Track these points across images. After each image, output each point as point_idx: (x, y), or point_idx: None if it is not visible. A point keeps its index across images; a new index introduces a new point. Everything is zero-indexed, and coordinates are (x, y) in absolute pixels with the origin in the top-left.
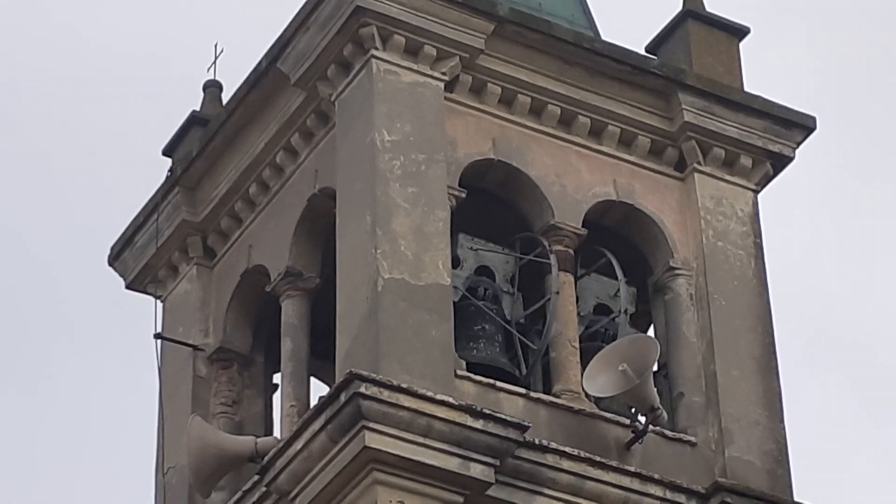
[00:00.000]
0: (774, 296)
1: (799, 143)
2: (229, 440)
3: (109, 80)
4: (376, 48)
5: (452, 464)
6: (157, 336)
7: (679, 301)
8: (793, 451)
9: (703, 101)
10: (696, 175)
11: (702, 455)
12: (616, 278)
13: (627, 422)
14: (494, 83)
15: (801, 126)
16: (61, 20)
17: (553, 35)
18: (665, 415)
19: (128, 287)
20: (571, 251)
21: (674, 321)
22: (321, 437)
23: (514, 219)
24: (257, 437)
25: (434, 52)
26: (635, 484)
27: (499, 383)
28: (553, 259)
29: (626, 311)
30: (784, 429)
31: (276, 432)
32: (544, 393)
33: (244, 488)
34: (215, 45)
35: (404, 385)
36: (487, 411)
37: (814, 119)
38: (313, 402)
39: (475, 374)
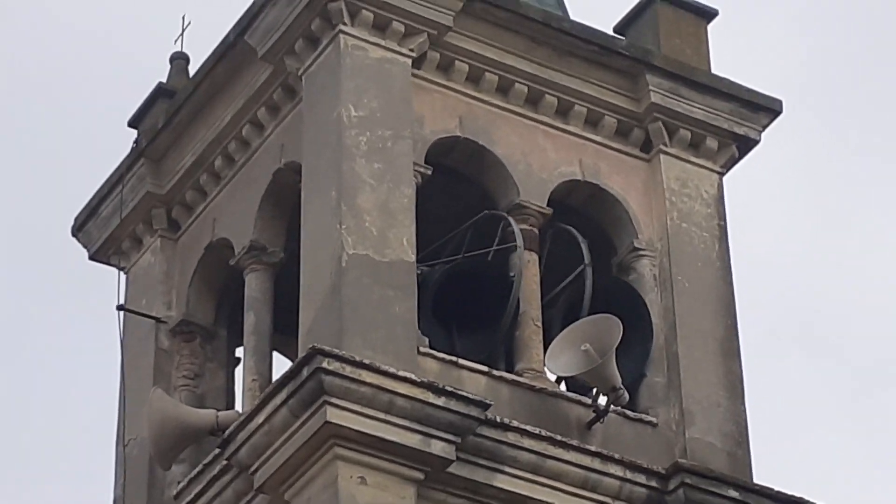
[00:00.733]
0: (738, 278)
1: (765, 127)
2: (191, 413)
3: (76, 50)
4: (344, 23)
5: (414, 440)
6: (119, 308)
7: (643, 282)
8: (754, 433)
9: (670, 82)
10: (661, 156)
11: (662, 436)
12: (581, 257)
13: (589, 401)
14: (462, 61)
15: (767, 109)
16: None
17: (521, 14)
18: (626, 395)
19: (91, 258)
20: (536, 230)
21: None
22: (282, 411)
23: (479, 196)
24: (218, 410)
25: (402, 28)
26: (596, 463)
27: (461, 361)
28: (518, 237)
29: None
30: (745, 411)
31: (238, 406)
32: (507, 371)
33: (205, 461)
34: (182, 17)
35: (367, 361)
36: (449, 388)
37: (780, 102)
38: (275, 376)
39: (440, 346)
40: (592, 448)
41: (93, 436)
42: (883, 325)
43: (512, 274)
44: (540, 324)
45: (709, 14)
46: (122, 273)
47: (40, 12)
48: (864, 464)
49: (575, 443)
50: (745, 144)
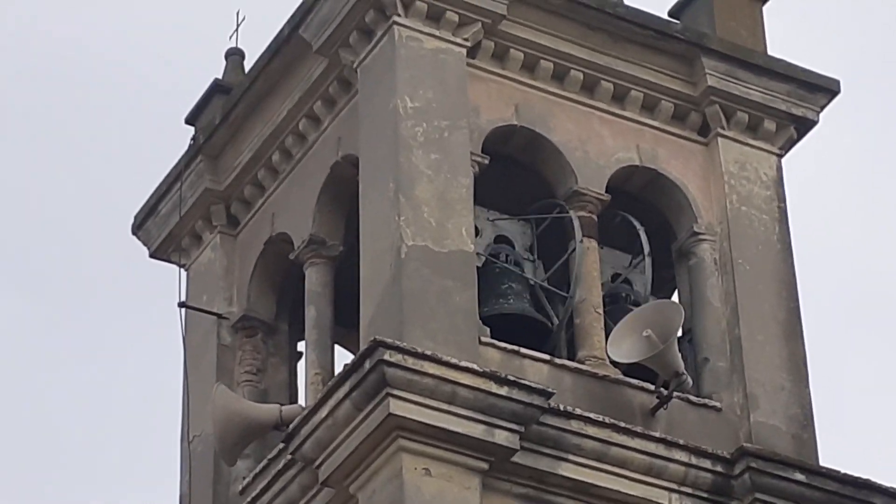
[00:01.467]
0: (799, 260)
1: (823, 107)
2: (254, 408)
3: (132, 48)
4: (398, 14)
5: (477, 430)
6: (181, 305)
7: (703, 266)
8: (819, 416)
9: (726, 65)
10: (719, 140)
11: (727, 420)
12: (640, 244)
13: (652, 388)
14: (517, 49)
15: (825, 90)
16: None
17: (575, 0)
18: (690, 380)
19: (151, 256)
20: (595, 217)
21: (698, 286)
22: (346, 404)
23: (537, 185)
24: (282, 405)
25: (456, 18)
26: (660, 450)
27: (523, 350)
28: (576, 224)
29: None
30: (809, 393)
31: (301, 400)
32: (569, 359)
33: (269, 456)
34: (237, 13)
35: (428, 352)
36: (512, 378)
37: (838, 82)
38: (338, 369)
39: (501, 337)
40: (657, 434)
41: (158, 433)
42: None
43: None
44: (601, 311)
45: None
46: (182, 270)
47: (100, 11)
48: None
49: (639, 429)
50: (804, 125)
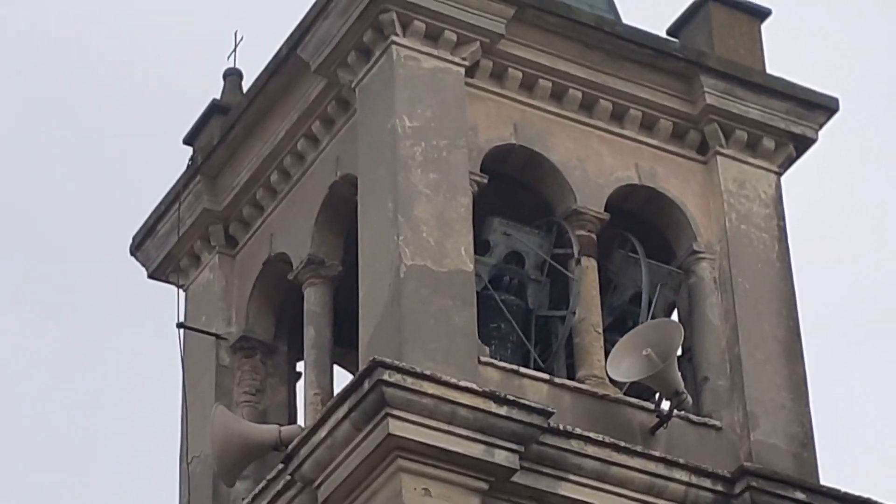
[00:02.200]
0: (799, 278)
1: (822, 125)
2: (253, 429)
3: (130, 68)
4: (396, 34)
5: (477, 450)
6: (179, 325)
7: (703, 285)
8: (820, 434)
9: (724, 83)
10: (718, 158)
11: (727, 439)
12: (639, 262)
13: (652, 407)
14: (515, 68)
15: (823, 108)
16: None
17: (573, 19)
18: (690, 399)
19: (150, 277)
20: (594, 235)
21: (698, 305)
22: (345, 424)
23: (536, 204)
24: (281, 425)
25: (454, 37)
26: (660, 469)
27: (522, 369)
28: (575, 243)
29: (659, 300)
30: (810, 412)
31: (300, 420)
32: (568, 378)
33: (268, 477)
34: (235, 33)
35: (427, 372)
36: (511, 397)
37: (836, 100)
38: (337, 389)
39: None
40: (657, 454)
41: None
42: None
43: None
44: (601, 330)
45: (762, 13)
46: (181, 291)
47: (97, 30)
48: None
49: (639, 449)
50: (803, 144)
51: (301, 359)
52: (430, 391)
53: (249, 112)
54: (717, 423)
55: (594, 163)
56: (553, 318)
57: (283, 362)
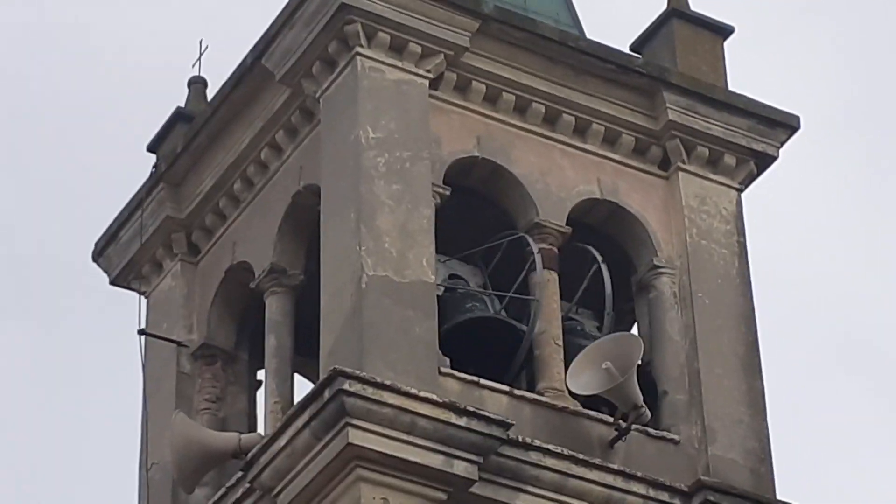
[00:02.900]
0: (758, 295)
1: (783, 143)
2: (213, 436)
3: (94, 75)
4: (361, 45)
5: (436, 461)
6: (141, 332)
7: (663, 299)
8: (777, 450)
9: (687, 99)
10: (680, 174)
11: (685, 453)
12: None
13: (611, 420)
14: (479, 81)
15: (785, 125)
16: (47, 17)
17: (538, 33)
18: (648, 413)
19: (112, 283)
20: (555, 249)
21: (657, 319)
22: (305, 433)
23: (498, 216)
24: (241, 433)
25: (419, 49)
26: (618, 482)
27: (482, 381)
28: (537, 256)
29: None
30: (767, 427)
31: (260, 429)
32: (528, 391)
33: (228, 485)
34: (200, 42)
35: (388, 382)
36: (471, 409)
37: (798, 118)
38: (297, 398)
39: (460, 369)
40: (615, 466)
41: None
42: None
43: (524, 328)
44: (561, 343)
45: (725, 31)
46: (142, 297)
47: (61, 38)
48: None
49: (597, 461)
50: (764, 161)
51: (262, 367)
52: (391, 401)
53: (213, 120)
54: (676, 436)
55: (556, 176)
56: (513, 330)
57: (244, 370)
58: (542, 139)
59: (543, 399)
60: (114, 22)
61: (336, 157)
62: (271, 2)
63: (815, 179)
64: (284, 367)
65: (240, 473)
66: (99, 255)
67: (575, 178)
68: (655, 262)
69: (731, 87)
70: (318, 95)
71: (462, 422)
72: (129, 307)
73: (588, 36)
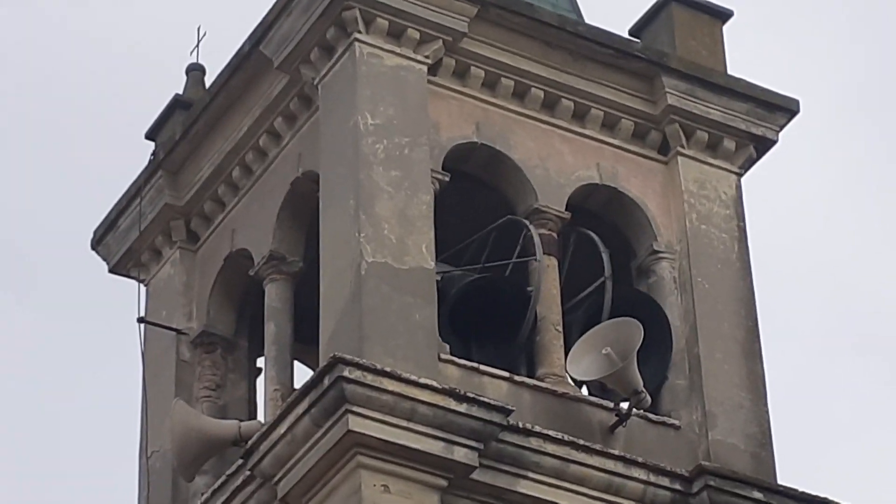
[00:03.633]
0: (758, 278)
1: (782, 127)
2: (213, 424)
3: (92, 63)
4: (359, 31)
5: (436, 447)
6: (140, 320)
7: (663, 284)
8: (777, 434)
9: (686, 84)
10: (679, 158)
11: (685, 438)
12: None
13: (611, 405)
14: (478, 66)
15: (784, 109)
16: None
17: (536, 18)
18: (648, 398)
19: (111, 271)
20: (555, 234)
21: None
22: (305, 420)
23: (497, 202)
24: (241, 420)
25: (417, 35)
26: (619, 467)
27: (482, 367)
28: (537, 241)
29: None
30: (768, 412)
31: (260, 416)
32: (528, 377)
33: (228, 472)
34: (198, 29)
35: (388, 369)
36: (471, 395)
37: (797, 102)
38: (297, 386)
39: (460, 355)
40: (616, 452)
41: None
42: None
43: (530, 288)
44: (561, 329)
45: (724, 15)
46: (141, 285)
47: (56, 25)
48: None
49: (598, 447)
50: (763, 145)
51: (261, 354)
52: (391, 388)
53: (212, 108)
54: (676, 422)
55: (556, 162)
56: (519, 291)
57: (244, 358)
58: (542, 124)
59: (544, 385)
60: (112, 9)
61: (335, 143)
62: None
63: (815, 163)
64: (284, 354)
65: (240, 461)
66: (98, 243)
67: (574, 164)
68: (655, 247)
69: (730, 72)
70: (316, 82)
71: (462, 408)
72: (129, 295)
73: (586, 21)
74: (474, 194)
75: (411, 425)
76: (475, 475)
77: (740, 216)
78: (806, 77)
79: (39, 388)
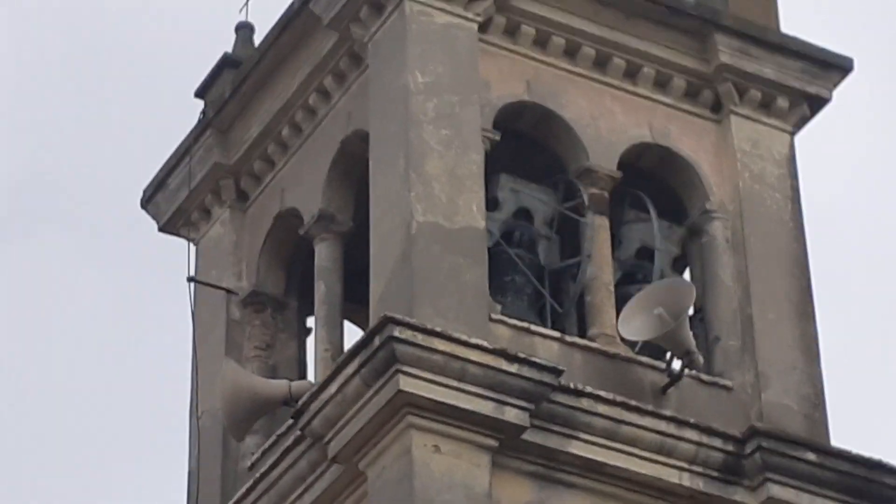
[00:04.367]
0: (812, 239)
1: (836, 85)
2: (263, 384)
3: (142, 21)
4: None
5: (487, 408)
6: (190, 279)
7: (715, 244)
8: (831, 395)
9: (739, 42)
10: (732, 117)
11: (738, 399)
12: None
13: (663, 366)
14: (528, 24)
15: (838, 67)
16: None
17: None
18: (701, 359)
19: (161, 230)
20: (606, 194)
21: (710, 264)
22: (355, 380)
23: (548, 161)
24: (291, 380)
25: None
26: (671, 428)
27: (533, 327)
28: (587, 201)
29: (664, 254)
30: (821, 373)
31: (310, 376)
32: (579, 337)
33: (278, 432)
34: None
35: (438, 329)
36: (522, 355)
37: (851, 60)
38: (347, 346)
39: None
40: (667, 413)
41: (166, 408)
42: None
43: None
44: (612, 288)
45: None
46: (191, 245)
47: None
48: None
49: (650, 408)
50: (817, 103)
51: (311, 314)
52: (441, 348)
53: (261, 66)
54: (728, 383)
55: (607, 121)
56: (564, 276)
57: (294, 318)
58: (593, 83)
59: (595, 345)
60: None
61: (384, 102)
62: None
63: (869, 122)
64: (334, 314)
65: (290, 421)
66: (147, 202)
67: (626, 123)
68: (707, 207)
69: (783, 29)
70: (366, 40)
71: (513, 368)
72: (179, 254)
73: None
74: (525, 153)
75: (462, 385)
76: (526, 436)
77: (793, 175)
78: (860, 35)
79: (89, 348)
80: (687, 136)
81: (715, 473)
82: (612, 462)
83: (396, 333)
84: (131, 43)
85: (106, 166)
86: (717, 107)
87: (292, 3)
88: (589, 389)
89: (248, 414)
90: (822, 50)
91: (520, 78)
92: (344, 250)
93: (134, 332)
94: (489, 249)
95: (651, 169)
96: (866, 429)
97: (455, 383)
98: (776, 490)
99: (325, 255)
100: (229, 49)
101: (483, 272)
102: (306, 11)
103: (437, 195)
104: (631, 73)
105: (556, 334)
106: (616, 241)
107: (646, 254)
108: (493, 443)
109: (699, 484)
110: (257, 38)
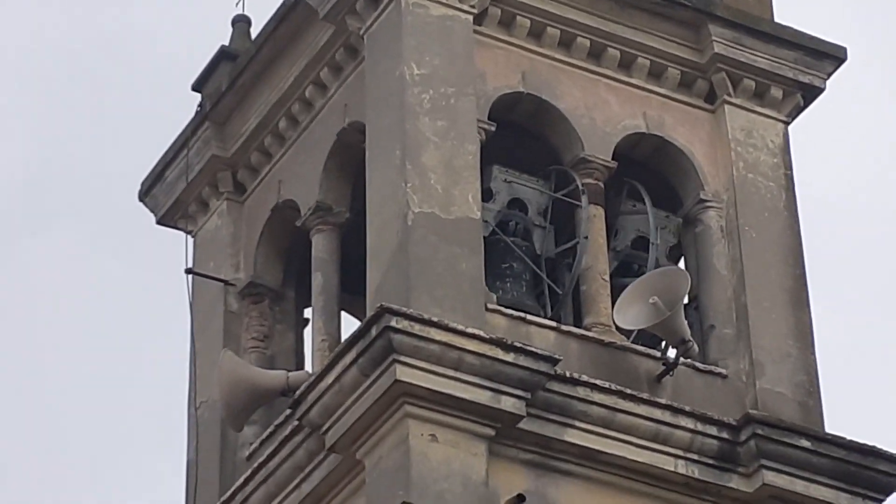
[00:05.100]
0: (806, 227)
1: (830, 74)
2: (261, 374)
3: (139, 15)
4: None
5: (483, 397)
6: (188, 271)
7: (710, 233)
8: (825, 383)
9: (732, 32)
10: (726, 107)
11: (733, 387)
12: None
13: (658, 354)
14: (523, 16)
15: (831, 57)
16: None
17: None
18: (696, 347)
19: (158, 222)
20: (601, 184)
21: (704, 253)
22: (352, 370)
23: (543, 152)
24: (289, 371)
25: None
26: (666, 416)
27: (529, 316)
28: (581, 188)
29: (660, 244)
30: (816, 360)
31: (308, 366)
32: (575, 326)
33: (276, 422)
34: None
35: (435, 319)
36: (518, 344)
37: (844, 50)
38: (344, 336)
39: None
40: (663, 401)
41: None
42: None
43: (576, 239)
44: (607, 278)
45: None
46: (189, 237)
47: None
48: None
49: (645, 396)
50: (811, 93)
51: (309, 305)
52: (438, 338)
53: (258, 59)
54: (723, 370)
55: (602, 111)
56: (560, 265)
57: (291, 308)
58: (588, 74)
59: (590, 334)
60: None
61: (381, 93)
62: None
63: (863, 111)
64: (331, 304)
65: (288, 411)
66: (145, 194)
67: (620, 113)
68: (702, 196)
69: (777, 19)
70: (362, 32)
71: (509, 357)
72: (177, 246)
73: None
74: (520, 144)
75: (458, 375)
76: (522, 424)
77: (788, 165)
78: (853, 25)
79: (87, 340)
80: (681, 126)
81: (710, 461)
82: (607, 450)
83: (393, 323)
84: (128, 36)
85: (104, 159)
86: (711, 97)
87: None
88: (585, 378)
89: (246, 404)
90: (816, 39)
91: (515, 69)
92: (341, 241)
93: (132, 323)
94: (485, 239)
95: (646, 159)
96: (860, 416)
97: (452, 372)
98: (771, 477)
99: (322, 246)
100: (226, 42)
101: (479, 262)
102: (302, 4)
103: (433, 186)
104: (625, 64)
105: (552, 323)
106: (612, 231)
107: (641, 243)
108: (489, 431)
109: (694, 471)
110: (254, 31)
